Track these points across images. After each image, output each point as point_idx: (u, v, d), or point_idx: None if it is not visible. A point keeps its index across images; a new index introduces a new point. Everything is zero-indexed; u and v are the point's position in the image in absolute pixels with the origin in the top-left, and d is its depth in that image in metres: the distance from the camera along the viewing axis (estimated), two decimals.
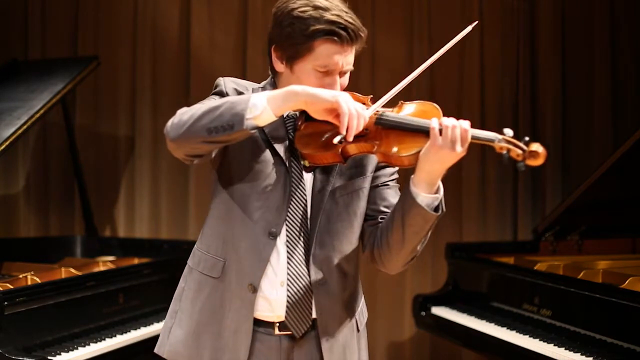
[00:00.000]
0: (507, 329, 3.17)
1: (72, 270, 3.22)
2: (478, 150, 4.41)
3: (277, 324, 1.85)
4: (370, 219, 1.90)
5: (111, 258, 3.83)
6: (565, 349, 2.82)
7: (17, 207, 4.47)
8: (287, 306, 1.83)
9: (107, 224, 4.54)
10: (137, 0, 4.51)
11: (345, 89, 1.82)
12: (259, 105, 1.66)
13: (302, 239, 1.84)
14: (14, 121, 3.34)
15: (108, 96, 4.54)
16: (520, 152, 1.65)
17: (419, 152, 1.69)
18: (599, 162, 3.57)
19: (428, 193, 1.71)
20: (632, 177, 3.38)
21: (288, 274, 1.83)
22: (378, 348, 4.45)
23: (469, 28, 1.81)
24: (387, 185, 1.91)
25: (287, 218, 1.83)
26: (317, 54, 1.77)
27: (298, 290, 1.83)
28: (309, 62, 1.78)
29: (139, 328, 3.23)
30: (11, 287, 2.83)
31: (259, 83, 1.96)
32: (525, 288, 3.23)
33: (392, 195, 1.90)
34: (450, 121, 1.66)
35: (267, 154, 1.82)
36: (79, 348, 2.87)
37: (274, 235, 1.81)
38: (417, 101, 1.81)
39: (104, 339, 3.01)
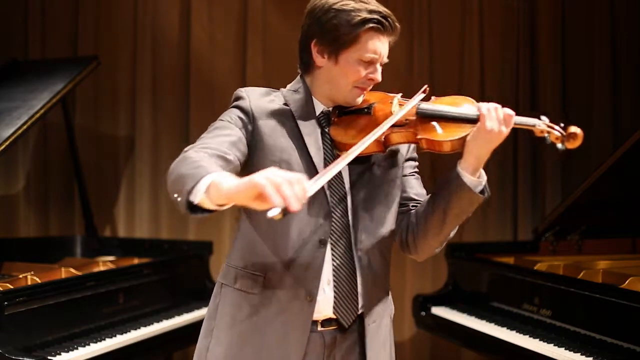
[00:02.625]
0: (507, 329, 3.17)
1: (72, 270, 3.22)
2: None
3: (321, 321, 1.86)
4: (401, 206, 1.95)
5: (111, 258, 3.83)
6: (565, 349, 2.82)
7: (17, 207, 4.47)
8: (334, 302, 1.84)
9: (107, 224, 4.54)
10: (137, 0, 4.52)
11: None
12: (199, 193, 1.60)
13: (344, 232, 1.86)
14: (14, 121, 3.34)
15: (108, 96, 4.54)
16: (559, 134, 1.78)
17: (463, 137, 1.78)
18: (599, 162, 3.57)
19: (474, 177, 1.79)
20: (632, 177, 3.38)
21: (334, 271, 1.84)
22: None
23: (420, 93, 1.89)
24: (414, 175, 2.00)
25: (332, 218, 1.84)
26: (362, 43, 1.82)
27: (345, 284, 1.85)
28: (355, 52, 1.83)
29: (139, 328, 3.23)
30: (11, 287, 2.83)
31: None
32: (525, 288, 3.23)
33: (418, 185, 1.99)
34: (494, 105, 1.78)
35: (298, 161, 1.83)
36: (79, 348, 2.86)
37: (323, 244, 1.83)
38: (449, 96, 1.90)
39: (104, 339, 3.01)
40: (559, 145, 1.79)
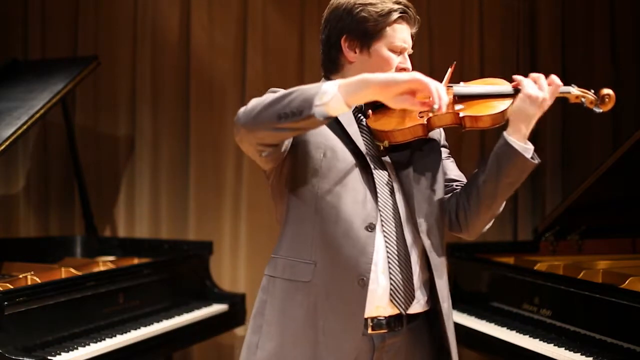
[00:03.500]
0: (507, 329, 3.17)
1: (72, 270, 3.22)
2: (478, 150, 4.41)
3: (372, 323, 1.85)
4: (445, 188, 1.98)
5: (111, 258, 3.83)
6: (565, 349, 2.82)
7: (17, 207, 4.47)
8: (391, 286, 1.83)
9: (107, 224, 4.55)
10: (137, 0, 4.52)
11: None
12: (329, 91, 1.63)
13: (395, 219, 1.86)
14: (14, 121, 3.34)
15: (108, 96, 4.55)
16: (593, 98, 1.87)
17: (504, 110, 1.84)
18: (599, 162, 3.57)
19: (523, 143, 1.84)
20: (632, 177, 3.38)
21: (389, 258, 1.84)
22: None
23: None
24: (449, 158, 2.05)
25: (380, 202, 1.85)
26: (392, 32, 1.89)
27: (400, 272, 1.85)
28: (385, 42, 1.89)
29: (139, 328, 3.23)
30: (11, 287, 2.83)
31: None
32: (525, 288, 3.23)
33: (455, 167, 2.05)
34: (538, 74, 1.84)
35: (343, 148, 1.85)
36: (79, 348, 2.86)
37: (372, 228, 1.83)
38: (479, 80, 2.00)
39: (104, 339, 3.00)
40: (595, 109, 1.88)
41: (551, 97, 1.82)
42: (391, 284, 1.83)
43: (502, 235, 4.42)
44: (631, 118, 4.35)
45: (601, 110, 1.88)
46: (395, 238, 1.85)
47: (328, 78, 1.95)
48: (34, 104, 3.47)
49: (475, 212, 1.91)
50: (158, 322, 3.35)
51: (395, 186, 1.89)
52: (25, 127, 3.34)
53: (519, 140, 1.83)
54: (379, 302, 1.84)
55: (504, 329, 3.19)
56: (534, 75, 1.84)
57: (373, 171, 1.86)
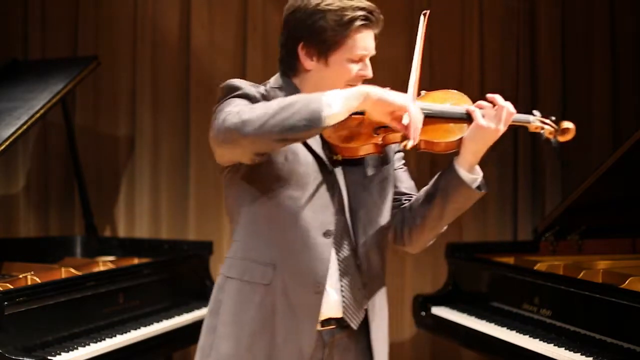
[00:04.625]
0: (507, 329, 3.17)
1: (72, 270, 3.22)
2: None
3: (321, 321, 1.85)
4: (394, 202, 1.97)
5: (111, 258, 3.83)
6: (565, 349, 2.82)
7: (17, 207, 4.47)
8: (344, 302, 1.84)
9: (107, 224, 4.54)
10: (137, 0, 4.52)
11: None
12: (334, 104, 1.65)
13: (345, 232, 1.86)
14: (14, 121, 3.33)
15: (108, 96, 4.54)
16: (552, 129, 1.84)
17: (460, 137, 1.81)
18: (599, 162, 3.57)
19: (470, 173, 1.82)
20: (632, 177, 3.38)
21: (339, 269, 1.84)
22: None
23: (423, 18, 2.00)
24: (402, 168, 2.02)
25: (335, 210, 1.85)
26: (352, 41, 1.82)
27: (351, 286, 1.85)
28: (344, 53, 1.83)
29: (139, 328, 3.23)
30: (11, 287, 2.82)
31: (261, 83, 1.95)
32: (525, 288, 3.23)
33: (407, 178, 2.02)
34: (488, 103, 1.80)
35: (305, 152, 1.83)
36: (79, 348, 2.86)
37: (329, 235, 1.82)
38: (440, 90, 1.91)
39: (104, 339, 3.00)
40: (553, 140, 1.85)
41: (505, 126, 1.79)
42: (343, 299, 1.84)
43: (502, 235, 4.42)
44: (631, 118, 4.35)
45: (558, 143, 1.85)
46: (345, 251, 1.85)
47: (286, 75, 1.90)
48: (34, 104, 3.47)
49: (420, 231, 1.91)
50: (158, 322, 3.35)
51: (345, 200, 1.87)
52: (25, 127, 3.33)
53: (467, 168, 1.81)
54: (330, 313, 1.85)
55: (504, 329, 3.19)
56: (488, 103, 1.79)
57: (332, 176, 1.85)
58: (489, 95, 1.81)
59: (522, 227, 4.41)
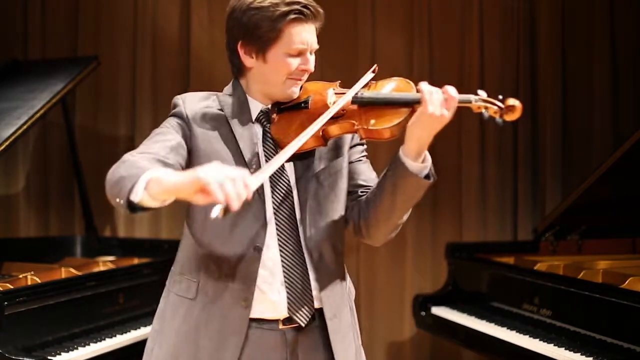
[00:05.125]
0: (507, 329, 3.17)
1: (72, 270, 3.22)
2: (478, 150, 4.41)
3: (282, 320, 1.85)
4: (351, 194, 1.94)
5: (111, 258, 3.83)
6: (565, 349, 2.82)
7: (17, 207, 4.47)
8: (288, 301, 1.83)
9: (107, 224, 4.54)
10: (137, 0, 4.52)
11: (309, 79, 1.90)
12: (139, 191, 1.60)
13: (292, 228, 1.85)
14: (14, 121, 3.33)
15: (108, 96, 4.54)
16: (496, 108, 1.74)
17: (400, 122, 1.76)
18: (599, 162, 3.57)
19: (417, 162, 1.76)
20: (632, 177, 3.38)
21: (284, 271, 1.83)
22: (378, 348, 4.45)
23: (369, 73, 1.89)
24: (361, 160, 1.97)
25: (275, 214, 1.83)
26: (287, 36, 1.81)
27: (297, 282, 1.84)
28: (281, 48, 1.82)
29: (139, 328, 3.23)
30: (11, 287, 2.82)
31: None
32: (525, 288, 3.23)
33: (367, 170, 1.97)
34: (435, 88, 1.72)
35: (234, 162, 1.81)
36: (79, 348, 2.87)
37: (259, 250, 1.82)
38: (388, 79, 1.87)
39: (104, 339, 3.01)
40: (498, 119, 1.75)
41: (451, 113, 1.72)
42: (288, 297, 1.83)
43: (502, 235, 4.42)
44: (631, 118, 4.35)
45: (503, 121, 1.75)
46: (291, 250, 1.84)
47: (236, 80, 1.95)
48: (34, 104, 3.47)
49: (375, 223, 1.87)
50: None
51: (295, 196, 1.86)
52: (25, 127, 3.33)
53: (414, 157, 1.75)
54: (284, 312, 1.84)
55: (504, 329, 3.19)
56: (431, 89, 1.72)
57: (271, 186, 1.84)
58: (429, 88, 1.74)
59: (522, 227, 4.41)
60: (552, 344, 2.89)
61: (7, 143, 3.22)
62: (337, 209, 1.91)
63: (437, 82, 1.89)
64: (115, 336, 3.07)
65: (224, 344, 1.82)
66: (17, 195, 4.48)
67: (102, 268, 3.46)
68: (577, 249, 3.77)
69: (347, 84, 1.90)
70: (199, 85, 4.49)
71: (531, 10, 4.45)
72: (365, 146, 1.99)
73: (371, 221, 1.87)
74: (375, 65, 1.91)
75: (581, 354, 2.74)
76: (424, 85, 1.73)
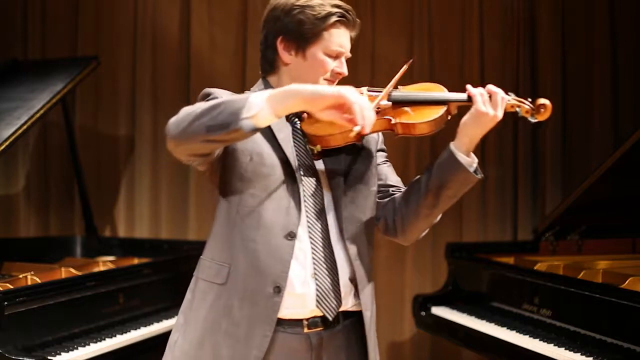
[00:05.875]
0: (507, 329, 3.17)
1: (72, 270, 3.22)
2: (478, 150, 4.40)
3: (306, 322, 1.85)
4: (380, 193, 1.98)
5: (111, 258, 3.83)
6: (565, 349, 2.82)
7: (17, 207, 4.47)
8: (317, 294, 1.83)
9: (107, 224, 4.55)
10: (137, 0, 4.52)
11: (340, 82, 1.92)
12: (255, 104, 1.62)
13: (322, 225, 1.86)
14: (14, 121, 3.34)
15: (108, 96, 4.55)
16: (528, 107, 1.86)
17: (436, 118, 1.84)
18: (599, 162, 3.57)
19: (467, 157, 1.84)
20: (632, 177, 3.38)
21: (314, 263, 1.83)
22: (378, 348, 4.44)
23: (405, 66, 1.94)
24: (386, 163, 2.03)
25: (306, 210, 1.85)
26: (329, 36, 1.86)
27: (327, 276, 1.84)
28: (321, 47, 1.87)
29: (139, 328, 3.23)
30: (11, 287, 2.82)
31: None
32: (525, 288, 3.23)
33: (392, 172, 2.04)
34: (483, 89, 1.82)
35: (271, 153, 1.83)
36: (79, 348, 2.86)
37: (292, 236, 1.82)
38: (417, 84, 1.95)
39: (104, 339, 3.01)
40: (530, 118, 1.87)
41: (502, 112, 1.82)
42: (317, 290, 1.83)
43: (502, 235, 4.42)
44: (631, 118, 4.35)
45: (536, 120, 1.87)
46: (321, 244, 1.85)
47: (265, 79, 1.97)
48: (34, 104, 3.47)
49: (414, 220, 1.91)
50: (158, 322, 3.35)
51: (325, 192, 1.88)
52: (25, 127, 3.34)
53: (465, 153, 1.83)
54: (311, 307, 1.84)
55: (504, 329, 3.19)
56: (488, 89, 1.82)
57: (302, 178, 1.85)
58: (486, 88, 1.84)
59: (522, 227, 4.41)
60: (552, 344, 2.89)
61: (7, 143, 3.22)
62: (369, 205, 1.94)
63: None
64: (115, 336, 3.07)
65: (252, 332, 1.81)
66: (17, 195, 4.48)
67: (102, 268, 3.46)
68: (577, 249, 3.77)
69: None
70: (199, 85, 4.49)
71: (531, 10, 4.45)
72: (386, 153, 2.04)
73: (410, 218, 1.91)
74: (411, 60, 1.99)
75: (581, 354, 2.74)
76: (475, 89, 1.83)
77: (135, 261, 3.68)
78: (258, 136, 1.82)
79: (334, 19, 1.85)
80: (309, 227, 1.84)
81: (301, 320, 1.84)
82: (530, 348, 2.96)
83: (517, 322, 3.21)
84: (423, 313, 3.69)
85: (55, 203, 4.51)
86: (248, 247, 1.82)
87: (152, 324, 3.32)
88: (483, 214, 4.44)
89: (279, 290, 1.80)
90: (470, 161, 1.83)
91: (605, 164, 3.36)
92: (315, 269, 1.83)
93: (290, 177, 1.84)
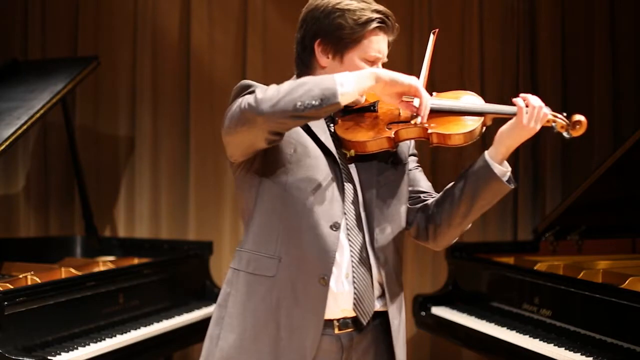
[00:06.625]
0: (507, 329, 3.17)
1: (72, 270, 3.22)
2: (478, 150, 4.41)
3: (338, 323, 1.85)
4: (412, 199, 1.99)
5: (111, 258, 3.83)
6: (565, 349, 2.82)
7: (17, 207, 4.47)
8: (355, 297, 1.84)
9: (107, 224, 4.54)
10: (137, 0, 4.52)
11: None
12: (347, 82, 1.68)
13: (358, 227, 1.87)
14: (14, 121, 3.34)
15: (108, 96, 4.54)
16: (564, 123, 1.85)
17: (473, 130, 1.84)
18: (599, 162, 3.57)
19: (502, 167, 1.85)
20: (632, 177, 3.38)
21: (352, 264, 1.84)
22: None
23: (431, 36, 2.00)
24: (417, 168, 2.04)
25: (344, 209, 1.85)
26: (367, 42, 1.86)
27: (363, 279, 1.85)
28: (359, 52, 1.87)
29: (139, 328, 3.23)
30: (11, 287, 2.82)
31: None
32: (525, 288, 3.23)
33: (424, 178, 2.04)
34: (534, 102, 1.81)
35: (315, 146, 1.85)
36: (79, 348, 2.86)
37: (336, 227, 1.83)
38: (450, 91, 1.95)
39: (104, 339, 3.01)
40: (565, 134, 1.86)
41: (540, 125, 1.83)
42: (355, 291, 1.84)
43: (502, 235, 4.42)
44: (631, 118, 4.36)
45: (571, 136, 1.86)
46: (359, 246, 1.86)
47: (300, 77, 1.93)
48: (34, 104, 3.47)
49: (446, 228, 1.93)
50: (158, 322, 3.35)
51: (359, 197, 1.89)
52: (25, 127, 3.33)
53: (499, 162, 1.84)
54: (344, 306, 1.85)
55: (504, 329, 3.19)
56: (528, 102, 1.81)
57: (342, 171, 1.86)
58: (522, 95, 1.84)
59: (522, 227, 4.41)
60: (552, 344, 2.89)
61: (7, 143, 3.22)
62: (401, 212, 1.94)
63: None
64: (115, 336, 3.07)
65: (306, 323, 1.82)
66: (17, 195, 4.48)
67: (102, 268, 3.46)
68: (577, 249, 3.77)
69: None
70: (199, 85, 4.50)
71: (531, 10, 4.45)
72: (417, 157, 2.05)
73: (442, 225, 1.92)
74: (437, 29, 2.02)
75: (581, 354, 2.74)
76: (520, 98, 1.82)
77: (135, 261, 3.68)
78: (300, 129, 1.84)
79: (374, 25, 1.85)
80: (347, 228, 1.85)
81: (332, 320, 1.85)
82: (530, 348, 2.96)
83: (517, 322, 3.21)
84: (423, 313, 3.69)
85: (55, 203, 4.51)
86: (295, 238, 1.83)
87: (152, 324, 3.32)
88: (483, 214, 4.42)
89: (325, 281, 1.81)
90: (505, 171, 1.84)
91: (605, 164, 3.36)
92: (353, 271, 1.84)
93: (333, 169, 1.85)
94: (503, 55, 4.47)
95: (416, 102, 1.77)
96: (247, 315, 1.85)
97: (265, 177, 1.86)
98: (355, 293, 1.84)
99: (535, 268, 3.32)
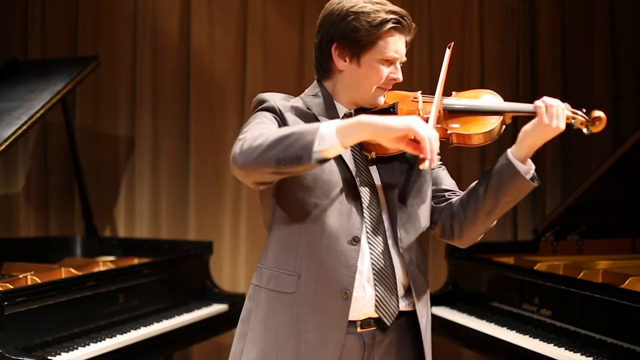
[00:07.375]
0: (507, 329, 3.17)
1: (72, 270, 3.22)
2: (478, 149, 4.41)
3: (359, 322, 1.86)
4: (436, 198, 1.98)
5: (111, 258, 3.83)
6: (565, 349, 2.82)
7: (17, 207, 4.47)
8: (376, 300, 1.84)
9: (107, 224, 4.54)
10: (137, 0, 4.52)
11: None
12: (327, 137, 1.64)
13: (380, 230, 1.86)
14: (14, 121, 3.34)
15: (108, 96, 4.55)
16: (583, 119, 1.86)
17: (492, 130, 1.85)
18: (599, 162, 3.56)
19: (525, 165, 1.84)
20: (632, 177, 3.38)
21: (373, 268, 1.84)
22: None
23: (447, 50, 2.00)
24: (441, 167, 2.04)
25: (364, 216, 1.85)
26: (384, 43, 1.86)
27: (385, 281, 1.85)
28: (377, 53, 1.86)
29: (139, 328, 3.23)
30: (11, 287, 2.83)
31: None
32: (525, 288, 3.23)
33: (447, 176, 2.03)
34: (553, 102, 1.81)
35: (331, 161, 1.80)
36: (79, 348, 2.87)
37: (356, 241, 1.83)
38: (469, 90, 1.95)
39: (104, 339, 3.01)
40: (585, 130, 1.87)
41: (563, 123, 1.83)
42: (376, 294, 1.84)
43: (502, 235, 4.42)
44: (631, 118, 4.35)
45: (590, 132, 1.87)
46: (380, 249, 1.85)
47: (320, 82, 1.94)
48: (34, 104, 3.47)
49: (472, 225, 1.92)
50: (158, 322, 3.35)
51: (381, 198, 1.89)
52: (25, 127, 3.34)
53: (522, 160, 1.83)
54: (366, 309, 1.85)
55: (504, 329, 3.19)
56: (545, 102, 1.80)
57: (359, 185, 1.85)
58: (551, 103, 1.83)
59: (522, 227, 4.41)
60: (552, 344, 2.89)
61: (7, 143, 3.23)
62: (424, 211, 1.94)
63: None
64: (115, 336, 3.07)
65: (326, 338, 1.82)
66: (17, 195, 4.48)
67: (102, 268, 3.46)
68: (577, 249, 3.77)
69: None
70: (198, 85, 4.50)
71: (531, 10, 4.45)
72: (440, 156, 2.02)
73: (467, 223, 1.91)
74: (452, 43, 2.02)
75: (581, 354, 2.74)
76: (543, 100, 1.81)
77: (135, 261, 3.68)
78: None
79: (388, 25, 1.85)
80: (367, 233, 1.85)
81: (354, 321, 1.85)
82: (530, 348, 2.96)
83: (517, 322, 3.21)
84: None
85: (55, 203, 4.51)
86: (315, 255, 1.83)
87: (152, 324, 3.32)
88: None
89: (347, 296, 1.81)
90: (528, 169, 1.83)
91: (605, 164, 3.36)
92: (374, 274, 1.84)
93: (350, 182, 1.84)
94: (503, 55, 4.47)
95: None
96: (269, 331, 1.86)
97: (283, 195, 1.86)
98: (377, 296, 1.84)
99: (535, 268, 3.32)
